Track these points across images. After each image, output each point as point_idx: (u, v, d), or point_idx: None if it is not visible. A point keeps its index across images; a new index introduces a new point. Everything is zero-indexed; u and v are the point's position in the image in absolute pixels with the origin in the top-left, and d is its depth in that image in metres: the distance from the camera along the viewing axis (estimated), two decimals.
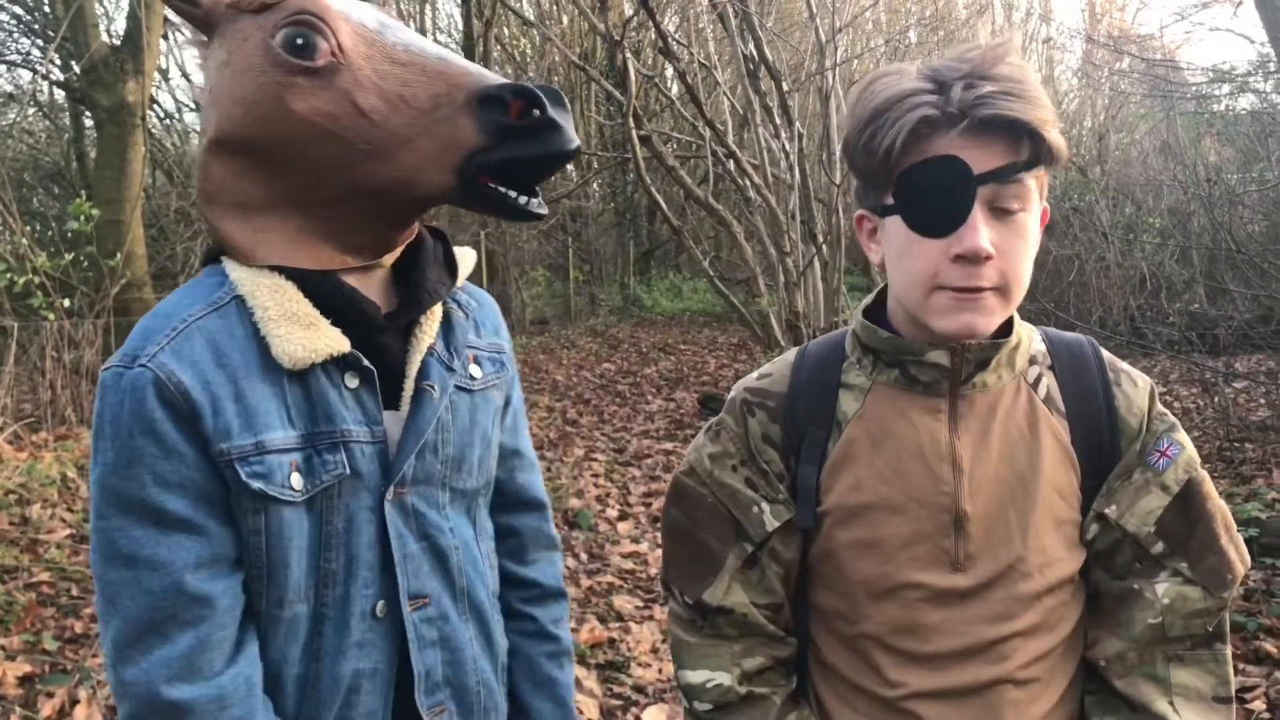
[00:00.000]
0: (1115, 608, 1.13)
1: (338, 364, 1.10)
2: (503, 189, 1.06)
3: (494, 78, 1.05)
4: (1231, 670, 1.12)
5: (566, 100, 1.06)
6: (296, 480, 1.07)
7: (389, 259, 1.18)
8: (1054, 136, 1.03)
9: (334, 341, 1.08)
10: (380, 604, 1.14)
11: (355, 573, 1.12)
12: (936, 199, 1.03)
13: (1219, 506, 1.13)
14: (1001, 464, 1.09)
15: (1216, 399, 6.34)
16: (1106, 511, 1.10)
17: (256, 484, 1.04)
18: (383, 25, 1.08)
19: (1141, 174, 10.28)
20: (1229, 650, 1.13)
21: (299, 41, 1.04)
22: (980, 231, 1.01)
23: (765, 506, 1.16)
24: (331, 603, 1.12)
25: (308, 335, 1.07)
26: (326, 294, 1.10)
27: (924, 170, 1.03)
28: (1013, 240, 1.04)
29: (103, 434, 1.03)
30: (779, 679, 1.20)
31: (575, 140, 1.05)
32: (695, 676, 1.19)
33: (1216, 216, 7.07)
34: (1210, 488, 1.13)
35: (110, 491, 1.02)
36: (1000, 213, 1.04)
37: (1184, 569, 1.10)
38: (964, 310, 1.04)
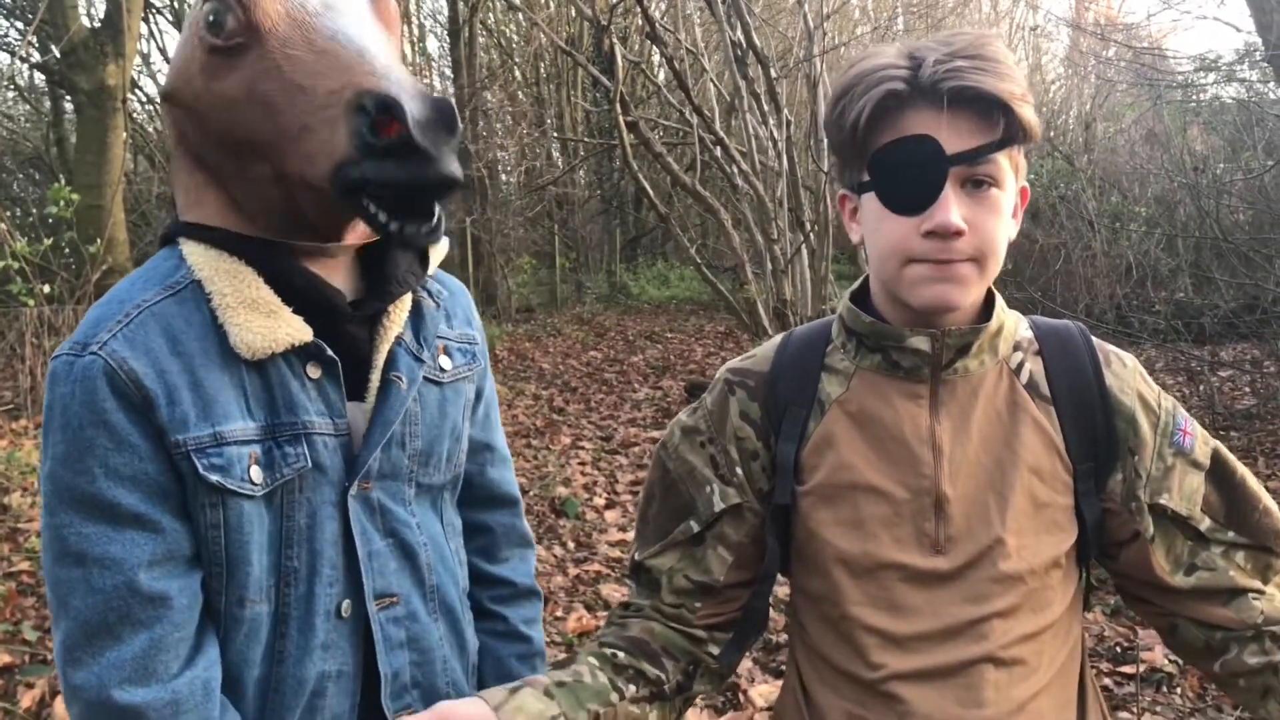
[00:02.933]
0: (1209, 605, 1.13)
1: (299, 353, 1.05)
2: (373, 208, 0.95)
3: (389, 83, 0.92)
4: None
5: (456, 119, 0.93)
6: (256, 473, 1.02)
7: (351, 242, 1.10)
8: (1026, 113, 1.03)
9: (296, 331, 1.03)
10: (345, 603, 1.10)
11: (318, 570, 1.08)
12: (909, 177, 1.04)
13: (1244, 469, 1.15)
14: (981, 448, 1.10)
15: (1202, 387, 6.37)
16: (1160, 502, 1.11)
17: (214, 477, 0.99)
18: (327, 7, 1.00)
19: (1128, 162, 10.28)
20: None
21: (211, 18, 0.99)
22: (951, 209, 1.02)
23: (716, 487, 1.18)
24: (294, 602, 1.07)
25: (268, 324, 1.02)
26: (289, 280, 1.05)
27: (897, 149, 1.04)
28: (985, 215, 1.05)
29: (52, 426, 0.98)
30: (602, 659, 1.13)
31: (448, 170, 0.92)
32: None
33: (1203, 205, 7.09)
34: (1229, 453, 1.15)
35: (61, 486, 0.97)
36: (972, 187, 1.05)
37: (1232, 538, 1.12)
38: (937, 281, 1.05)
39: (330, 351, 1.06)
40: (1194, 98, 8.92)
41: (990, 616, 1.08)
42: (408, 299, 1.16)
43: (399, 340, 1.14)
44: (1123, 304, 8.45)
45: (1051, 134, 11.27)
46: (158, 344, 0.99)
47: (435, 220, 0.98)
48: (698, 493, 1.19)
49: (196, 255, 1.04)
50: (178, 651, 1.00)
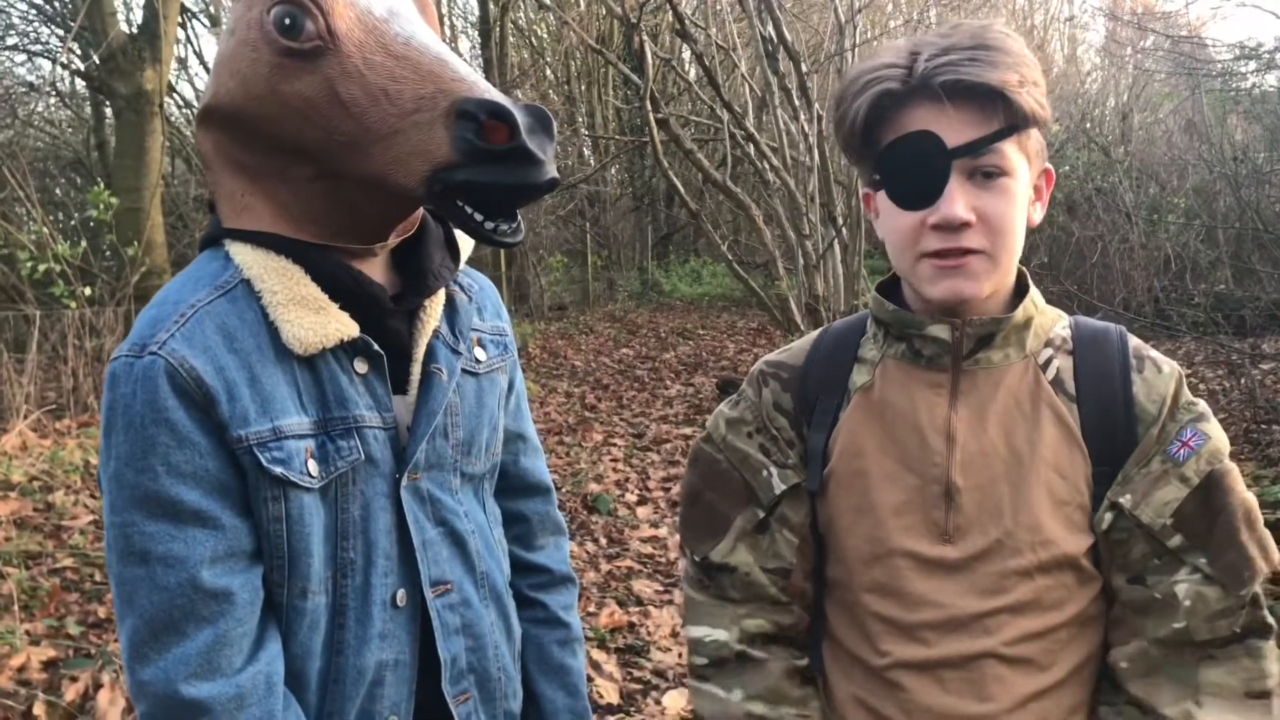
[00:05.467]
0: (1136, 617, 1.10)
1: (347, 349, 1.08)
2: (469, 209, 1.00)
3: (484, 90, 0.97)
4: (1274, 664, 1.07)
5: (554, 126, 0.99)
6: (313, 467, 1.05)
7: (391, 243, 1.14)
8: (1025, 99, 1.03)
9: (344, 326, 1.06)
10: (400, 592, 1.12)
11: (374, 561, 1.10)
12: (913, 173, 1.06)
13: (1243, 500, 1.08)
14: (998, 440, 1.10)
15: (1243, 381, 6.26)
16: (1121, 501, 1.08)
17: (278, 469, 1.02)
18: (392, 14, 1.03)
19: (1166, 153, 10.15)
20: (1270, 645, 1.08)
21: (286, 21, 0.99)
22: (956, 201, 1.04)
23: (774, 471, 1.19)
24: (351, 593, 1.09)
25: (317, 320, 1.04)
26: (334, 278, 1.08)
27: (900, 146, 1.06)
28: (995, 204, 1.05)
29: (114, 426, 1.00)
30: (779, 648, 1.21)
31: (549, 173, 0.98)
32: (696, 631, 1.23)
33: (1243, 196, 6.99)
34: (1235, 480, 1.09)
35: (124, 485, 0.99)
36: (980, 178, 1.05)
37: (1203, 565, 1.06)
38: (948, 276, 1.06)
39: (377, 346, 1.09)
40: (1234, 86, 8.77)
41: (998, 611, 1.08)
42: (442, 293, 1.19)
43: (436, 333, 1.16)
44: (1161, 297, 8.34)
45: (1088, 125, 11.14)
46: (215, 342, 1.01)
47: (518, 220, 1.03)
48: (754, 478, 1.20)
49: (244, 255, 1.06)
50: (240, 646, 1.02)
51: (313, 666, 1.09)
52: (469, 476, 1.22)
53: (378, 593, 1.10)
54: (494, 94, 0.97)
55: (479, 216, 1.00)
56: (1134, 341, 1.15)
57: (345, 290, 1.08)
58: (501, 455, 1.31)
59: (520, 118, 0.95)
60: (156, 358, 0.99)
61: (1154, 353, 1.15)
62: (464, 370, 1.20)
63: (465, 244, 1.24)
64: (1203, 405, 1.12)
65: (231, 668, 1.01)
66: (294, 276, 1.05)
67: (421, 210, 1.17)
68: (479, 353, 1.23)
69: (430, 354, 1.15)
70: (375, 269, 1.13)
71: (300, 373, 1.06)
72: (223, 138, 1.08)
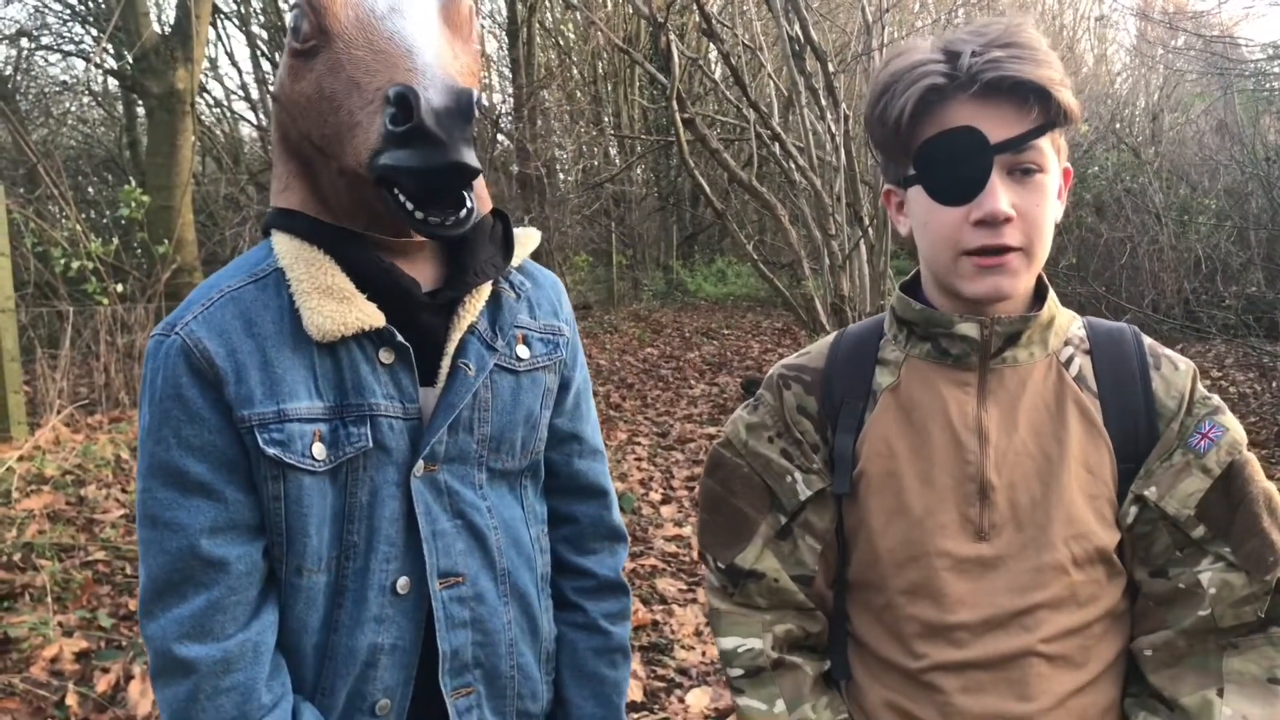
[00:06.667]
0: (1160, 609, 1.11)
1: (372, 338, 1.10)
2: (402, 197, 0.98)
3: (426, 78, 0.95)
4: None
5: (471, 109, 0.95)
6: (319, 450, 1.08)
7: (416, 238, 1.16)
8: (1064, 96, 1.05)
9: (368, 316, 1.08)
10: (403, 580, 1.14)
11: (375, 546, 1.12)
12: (955, 168, 1.07)
13: (1264, 489, 1.11)
14: (1028, 437, 1.11)
15: (1274, 384, 6.19)
16: (1145, 494, 1.09)
17: (273, 450, 1.06)
18: (392, 11, 1.04)
19: (1197, 154, 10.04)
20: None
21: (292, 25, 1.06)
22: (999, 196, 1.05)
23: (799, 476, 1.19)
24: (351, 575, 1.12)
25: (339, 309, 1.07)
26: (365, 269, 1.11)
27: (942, 141, 1.07)
28: (1032, 200, 1.07)
29: (144, 399, 1.08)
30: (810, 655, 1.22)
31: (455, 157, 0.94)
32: (728, 642, 1.23)
33: (1276, 197, 6.90)
34: (1256, 471, 1.11)
35: (146, 453, 1.06)
36: (1018, 174, 1.07)
37: (1226, 553, 1.08)
38: (990, 274, 1.07)
39: (400, 337, 1.11)
40: (1266, 86, 8.66)
41: (1035, 608, 1.09)
42: (486, 289, 1.19)
43: (473, 328, 1.17)
44: (1190, 299, 8.26)
45: (1118, 126, 11.03)
46: (233, 325, 1.07)
47: (464, 212, 1.01)
48: (777, 483, 1.20)
49: (282, 245, 1.12)
50: (234, 614, 1.07)
51: (308, 642, 1.12)
52: (500, 473, 1.21)
53: (376, 578, 1.12)
54: (421, 78, 0.96)
55: (410, 205, 0.99)
56: (1148, 340, 1.17)
57: (374, 282, 1.11)
58: (554, 455, 1.30)
59: (434, 100, 0.93)
60: (178, 337, 1.06)
61: (1167, 350, 1.17)
62: (500, 367, 1.19)
63: (526, 242, 1.25)
64: (1217, 399, 1.14)
65: (223, 633, 1.06)
66: (322, 266, 1.09)
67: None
68: (521, 350, 1.22)
69: (461, 349, 1.16)
70: (418, 262, 1.15)
71: (319, 359, 1.09)
72: (283, 119, 1.14)
